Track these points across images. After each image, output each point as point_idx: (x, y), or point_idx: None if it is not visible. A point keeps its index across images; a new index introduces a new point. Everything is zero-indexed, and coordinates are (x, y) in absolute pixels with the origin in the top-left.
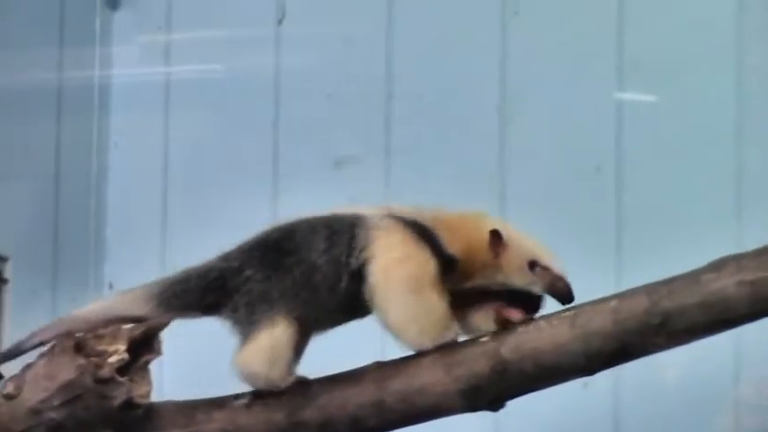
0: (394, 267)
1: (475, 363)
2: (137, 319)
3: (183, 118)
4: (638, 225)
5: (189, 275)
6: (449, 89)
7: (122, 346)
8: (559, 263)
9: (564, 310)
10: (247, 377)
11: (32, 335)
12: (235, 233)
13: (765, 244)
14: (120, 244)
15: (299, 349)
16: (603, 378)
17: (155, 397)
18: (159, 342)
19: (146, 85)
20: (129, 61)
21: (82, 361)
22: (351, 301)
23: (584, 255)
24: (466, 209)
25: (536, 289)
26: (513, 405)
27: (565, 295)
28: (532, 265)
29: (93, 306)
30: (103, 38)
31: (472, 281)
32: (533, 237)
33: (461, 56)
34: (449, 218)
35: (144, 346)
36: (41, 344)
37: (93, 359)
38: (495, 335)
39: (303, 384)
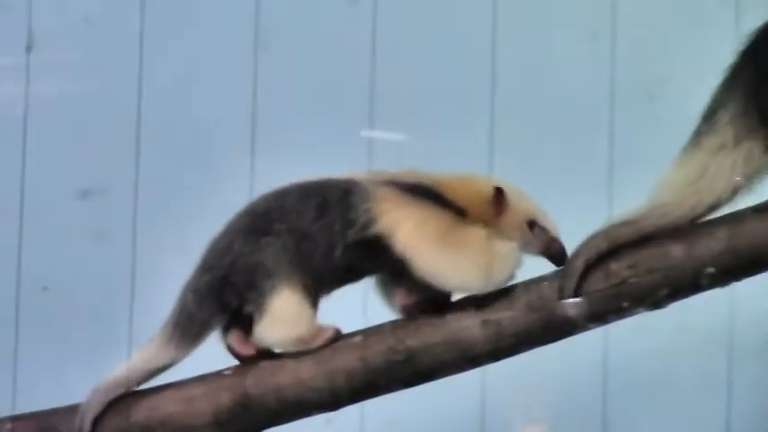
0: (418, 236)
1: (217, 396)
2: (165, 368)
3: None
4: None
5: (184, 299)
6: (199, 122)
7: None
8: (554, 225)
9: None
10: (276, 344)
11: (82, 417)
12: None
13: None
14: None
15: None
16: (346, 414)
17: None
18: None
19: None
20: None
21: None
22: (347, 269)
23: None
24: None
25: (531, 249)
26: None
27: (559, 257)
28: (531, 224)
29: (123, 368)
30: None
31: None
32: (528, 195)
33: (212, 89)
34: (449, 179)
35: None
36: (96, 421)
37: None
38: (238, 369)
39: None
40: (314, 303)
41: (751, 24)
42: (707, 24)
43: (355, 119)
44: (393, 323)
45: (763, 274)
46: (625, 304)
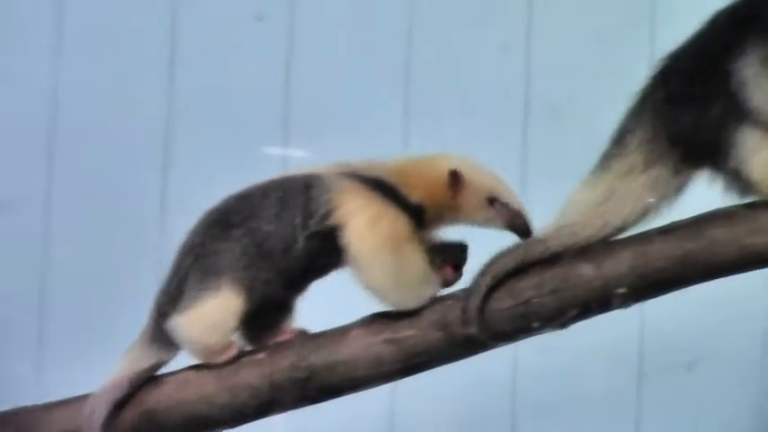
0: (367, 231)
1: (122, 411)
2: (152, 369)
3: None
4: None
5: (160, 300)
6: (112, 136)
7: None
8: (517, 198)
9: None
10: (186, 342)
11: (90, 427)
12: None
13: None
14: None
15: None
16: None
17: None
18: None
19: None
20: None
21: None
22: (309, 262)
23: None
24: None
25: (495, 225)
26: None
27: (523, 230)
28: (491, 201)
29: (115, 373)
30: None
31: (438, 224)
32: (492, 172)
33: (126, 104)
34: (406, 165)
35: None
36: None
37: None
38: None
39: None
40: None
41: (663, 47)
42: (619, 44)
43: (268, 136)
44: (300, 340)
45: (673, 293)
46: (535, 324)
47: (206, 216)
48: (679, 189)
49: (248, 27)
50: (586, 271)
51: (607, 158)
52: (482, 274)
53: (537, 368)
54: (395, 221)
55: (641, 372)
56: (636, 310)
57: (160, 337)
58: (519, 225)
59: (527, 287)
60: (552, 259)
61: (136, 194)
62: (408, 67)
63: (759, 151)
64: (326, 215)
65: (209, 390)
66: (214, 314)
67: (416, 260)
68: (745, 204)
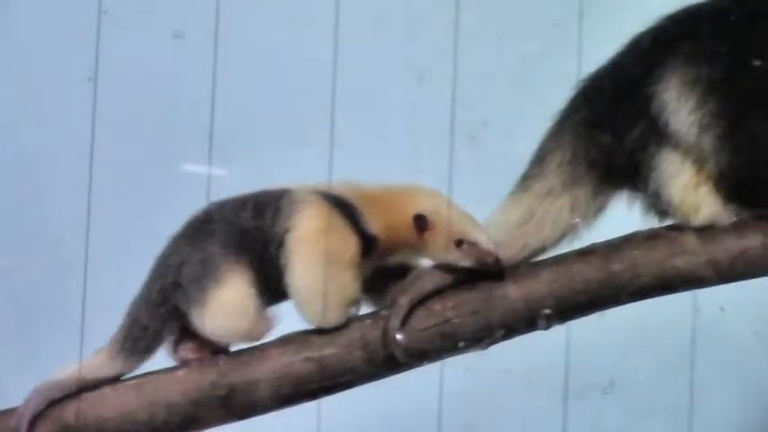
0: (312, 238)
1: (36, 428)
2: (112, 379)
3: None
4: None
5: (136, 311)
6: (34, 155)
7: None
8: (486, 237)
9: (130, 378)
10: (219, 336)
11: (20, 417)
12: None
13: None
14: None
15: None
16: None
17: None
18: None
19: None
20: None
21: None
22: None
23: None
24: (400, 183)
25: (464, 264)
26: None
27: (494, 270)
28: (459, 243)
29: (65, 372)
30: None
31: (397, 256)
32: (459, 210)
33: (47, 122)
34: (378, 194)
35: None
36: (34, 420)
37: None
38: (61, 401)
39: None
40: (262, 297)
41: (590, 70)
42: (531, 67)
43: (191, 154)
44: (221, 358)
45: (595, 314)
46: (460, 344)
47: (184, 227)
48: (598, 211)
49: (168, 45)
50: (509, 292)
51: (526, 179)
52: (401, 293)
53: (463, 387)
54: (344, 240)
55: (566, 391)
56: (562, 329)
57: (129, 348)
58: (489, 265)
59: (445, 308)
60: (473, 279)
61: (58, 212)
62: (334, 89)
63: (679, 174)
64: (285, 220)
65: (129, 407)
66: (232, 300)
67: (346, 283)
68: (665, 227)
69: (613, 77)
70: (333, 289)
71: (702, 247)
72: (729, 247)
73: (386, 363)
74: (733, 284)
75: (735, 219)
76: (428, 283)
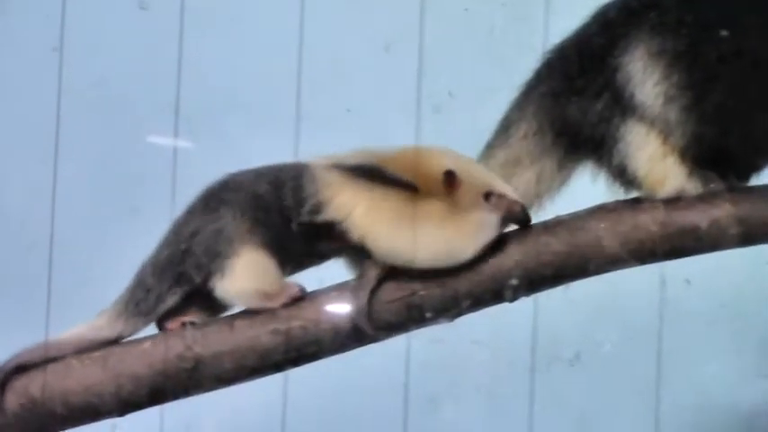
0: (373, 220)
1: (2, 400)
2: (113, 341)
3: None
4: None
5: (142, 273)
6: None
7: None
8: (511, 188)
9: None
10: (237, 298)
11: (13, 357)
12: None
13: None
14: None
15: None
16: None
17: None
18: None
19: None
20: None
21: None
22: (306, 249)
23: None
24: (413, 145)
25: (492, 218)
26: None
27: (522, 219)
28: (487, 195)
29: (70, 333)
30: None
31: None
32: (480, 164)
33: (12, 94)
34: (397, 157)
35: None
36: (20, 367)
37: None
38: (28, 372)
39: None
40: (279, 266)
41: (548, 41)
42: (497, 39)
43: (157, 126)
44: (185, 330)
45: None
46: (427, 314)
47: (197, 198)
48: (563, 183)
49: (134, 15)
50: (475, 264)
51: (491, 148)
52: (369, 266)
53: (430, 359)
54: (391, 198)
55: (533, 363)
56: (529, 301)
57: (131, 310)
58: (517, 214)
59: (414, 279)
60: None
61: (24, 185)
62: (300, 61)
63: (644, 146)
64: (315, 210)
65: (95, 379)
66: (251, 266)
67: (438, 212)
68: (631, 199)
69: (579, 49)
70: (426, 228)
71: (669, 219)
72: (695, 218)
73: (352, 335)
74: (699, 256)
75: (701, 190)
76: None
